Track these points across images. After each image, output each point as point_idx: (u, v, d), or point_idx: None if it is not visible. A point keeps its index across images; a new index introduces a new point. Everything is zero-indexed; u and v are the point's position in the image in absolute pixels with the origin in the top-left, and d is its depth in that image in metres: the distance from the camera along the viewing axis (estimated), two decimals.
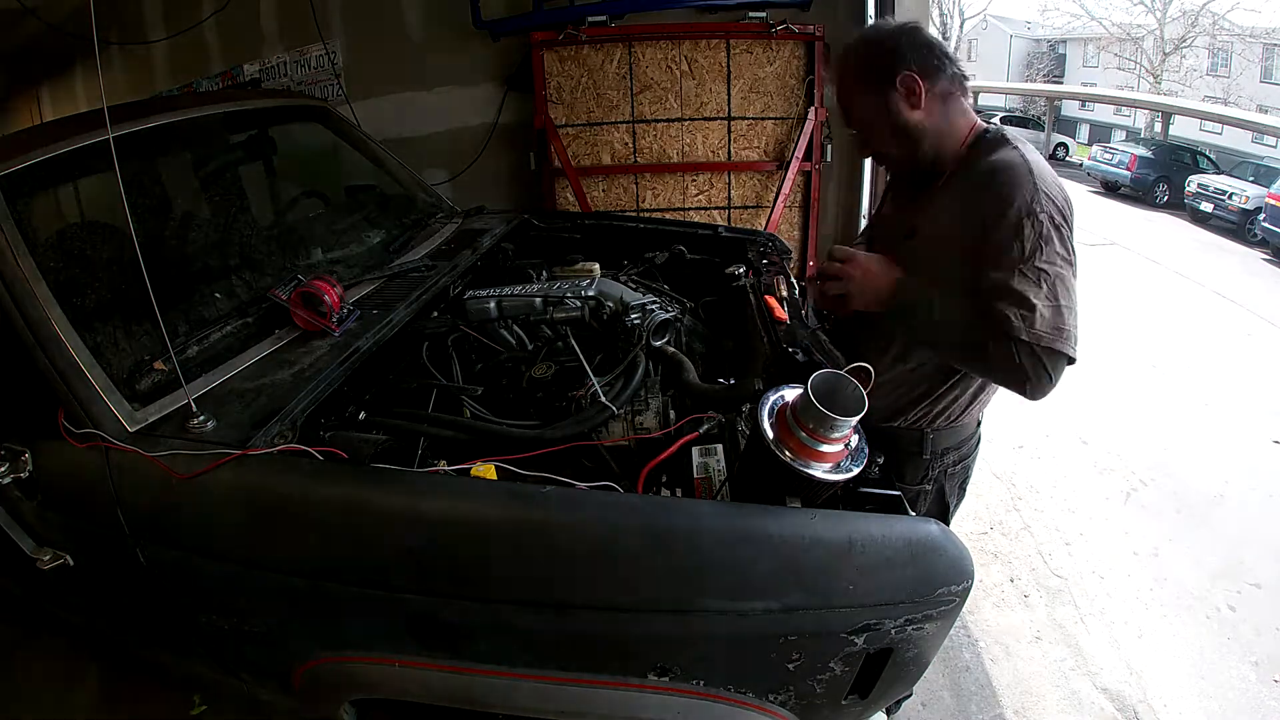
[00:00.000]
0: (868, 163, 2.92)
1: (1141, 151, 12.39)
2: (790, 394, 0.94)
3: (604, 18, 2.86)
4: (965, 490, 1.44)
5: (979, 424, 1.39)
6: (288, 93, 3.00)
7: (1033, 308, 1.02)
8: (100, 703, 1.78)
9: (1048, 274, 1.03)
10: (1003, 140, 1.13)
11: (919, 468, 1.34)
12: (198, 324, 1.36)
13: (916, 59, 1.11)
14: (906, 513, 0.95)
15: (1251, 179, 10.46)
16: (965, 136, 1.16)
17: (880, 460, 1.02)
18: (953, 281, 1.11)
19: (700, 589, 0.89)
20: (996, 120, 1.32)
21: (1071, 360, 1.06)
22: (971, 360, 1.14)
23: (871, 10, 2.73)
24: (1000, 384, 1.12)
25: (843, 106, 1.22)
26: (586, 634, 0.95)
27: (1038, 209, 1.03)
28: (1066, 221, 1.05)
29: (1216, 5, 17.63)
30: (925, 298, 1.12)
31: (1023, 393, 1.08)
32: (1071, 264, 1.06)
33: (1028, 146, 1.12)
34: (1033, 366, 1.03)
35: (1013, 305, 1.02)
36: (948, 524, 1.39)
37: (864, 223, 2.84)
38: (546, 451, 1.14)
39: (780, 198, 3.00)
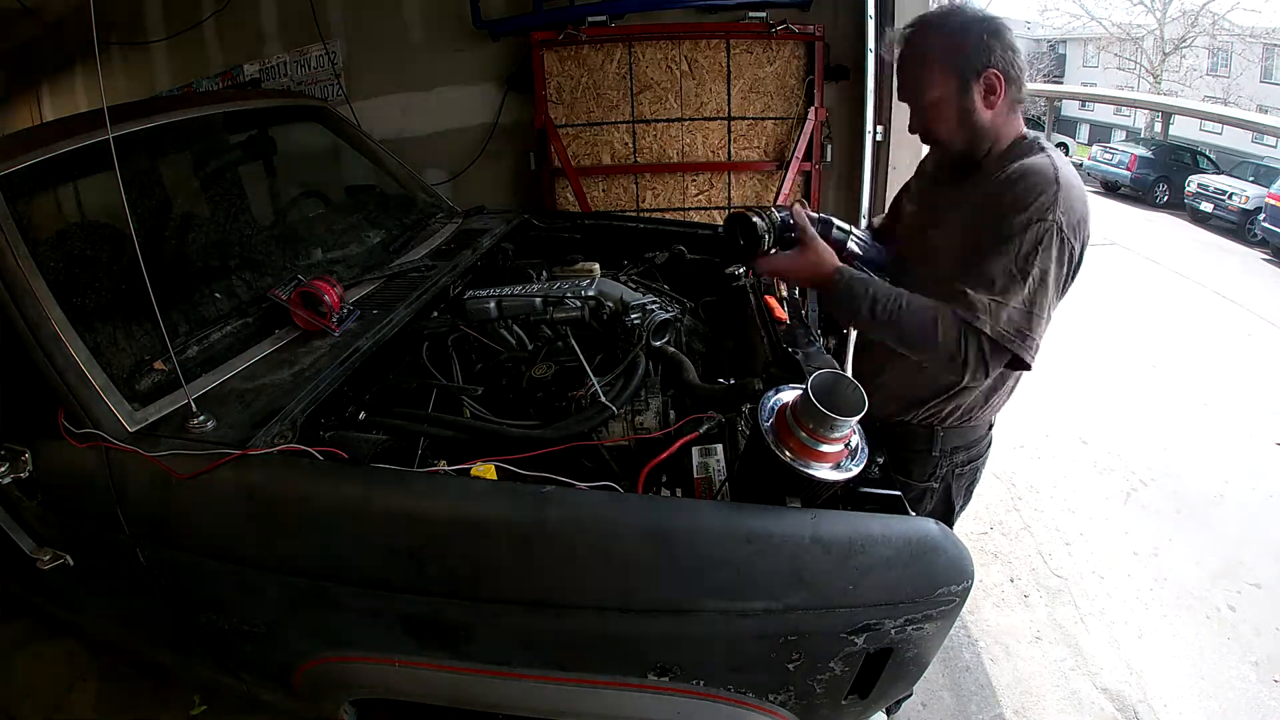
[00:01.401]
0: (868, 163, 2.92)
1: (1141, 151, 12.39)
2: (790, 394, 0.94)
3: (604, 18, 2.86)
4: (971, 494, 1.44)
5: (990, 427, 1.38)
6: (288, 93, 3.00)
7: (1005, 305, 1.03)
8: (100, 703, 1.78)
9: (1034, 279, 1.03)
10: (1037, 146, 1.13)
11: (927, 464, 1.34)
12: (198, 324, 1.36)
13: (1004, 60, 1.10)
14: (907, 513, 0.95)
15: (1251, 179, 10.46)
16: (1009, 143, 1.16)
17: (880, 460, 1.02)
18: (957, 266, 1.11)
19: (700, 589, 0.89)
20: (1040, 134, 1.33)
21: (1026, 367, 1.08)
22: (909, 347, 1.11)
23: (871, 10, 2.73)
24: (939, 368, 1.10)
25: (913, 78, 1.16)
26: (586, 634, 0.95)
27: (1050, 216, 1.02)
28: (1076, 240, 1.05)
29: (1216, 5, 17.63)
30: (863, 290, 1.12)
31: (956, 377, 1.08)
32: (1061, 281, 1.06)
33: (1061, 156, 1.12)
34: (975, 355, 1.04)
35: (989, 293, 1.03)
36: (951, 525, 1.40)
37: (864, 223, 2.83)
38: (546, 451, 1.14)
39: (780, 198, 3.00)
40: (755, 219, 1.22)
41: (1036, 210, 1.03)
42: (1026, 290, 1.03)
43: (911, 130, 1.22)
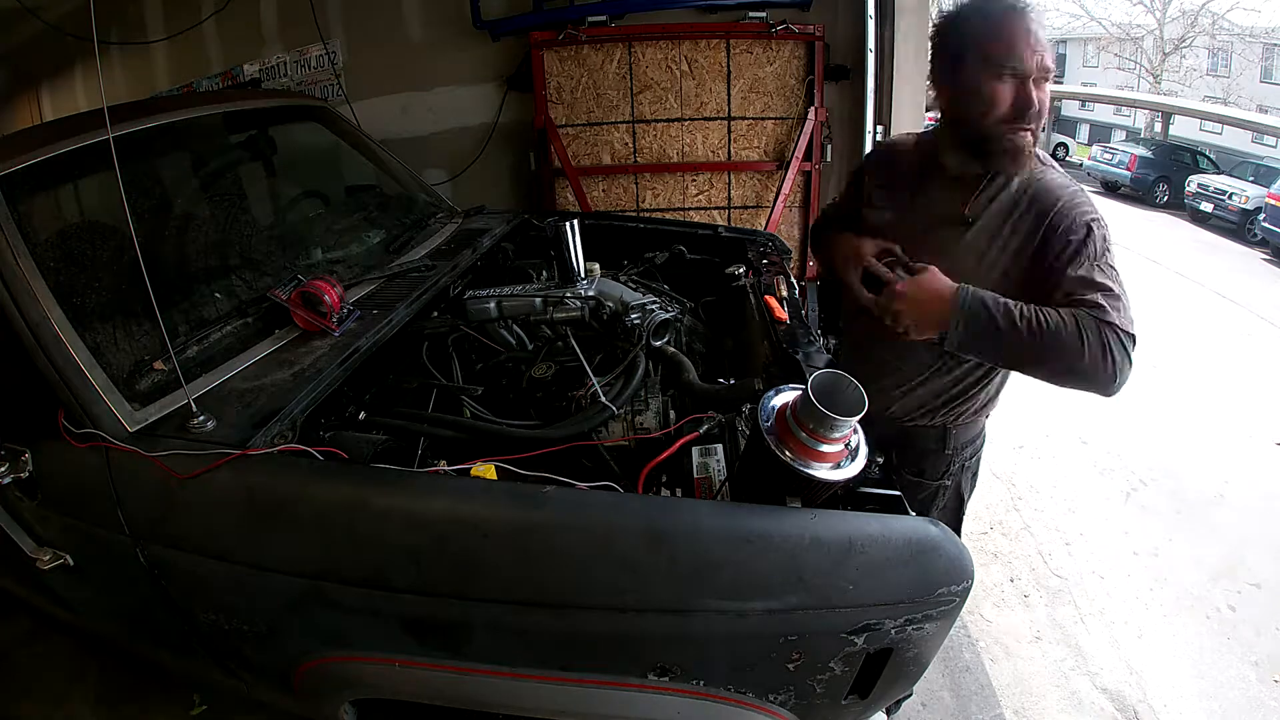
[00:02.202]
0: None
1: (1141, 151, 12.39)
2: (790, 394, 0.94)
3: (604, 18, 2.86)
4: (977, 479, 1.47)
5: (987, 416, 1.41)
6: (288, 93, 3.00)
7: (1118, 297, 1.06)
8: (100, 703, 1.78)
9: (1116, 273, 1.09)
10: (1037, 158, 1.17)
11: (940, 463, 1.36)
12: (198, 324, 1.36)
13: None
14: (906, 513, 0.95)
15: (1251, 179, 10.46)
16: None
17: (880, 460, 1.02)
18: (1005, 278, 1.15)
19: (700, 589, 0.89)
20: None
21: (1135, 341, 1.08)
22: (1056, 357, 1.06)
23: (871, 10, 2.73)
24: (1085, 378, 1.07)
25: (1036, 48, 1.07)
26: (586, 634, 0.95)
27: (1099, 220, 1.11)
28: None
29: (1216, 5, 17.62)
30: (994, 302, 1.07)
31: (1107, 384, 1.07)
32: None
33: (1053, 164, 1.20)
34: (1120, 353, 1.05)
35: (1101, 294, 1.05)
36: (963, 515, 1.45)
37: None
38: (546, 451, 1.14)
39: (780, 198, 3.00)
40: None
41: (1086, 217, 1.10)
42: (1119, 284, 1.08)
43: (1030, 105, 1.09)
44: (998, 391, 1.33)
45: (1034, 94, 1.10)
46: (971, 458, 1.39)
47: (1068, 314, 1.05)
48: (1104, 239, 1.09)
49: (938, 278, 1.12)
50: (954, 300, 1.09)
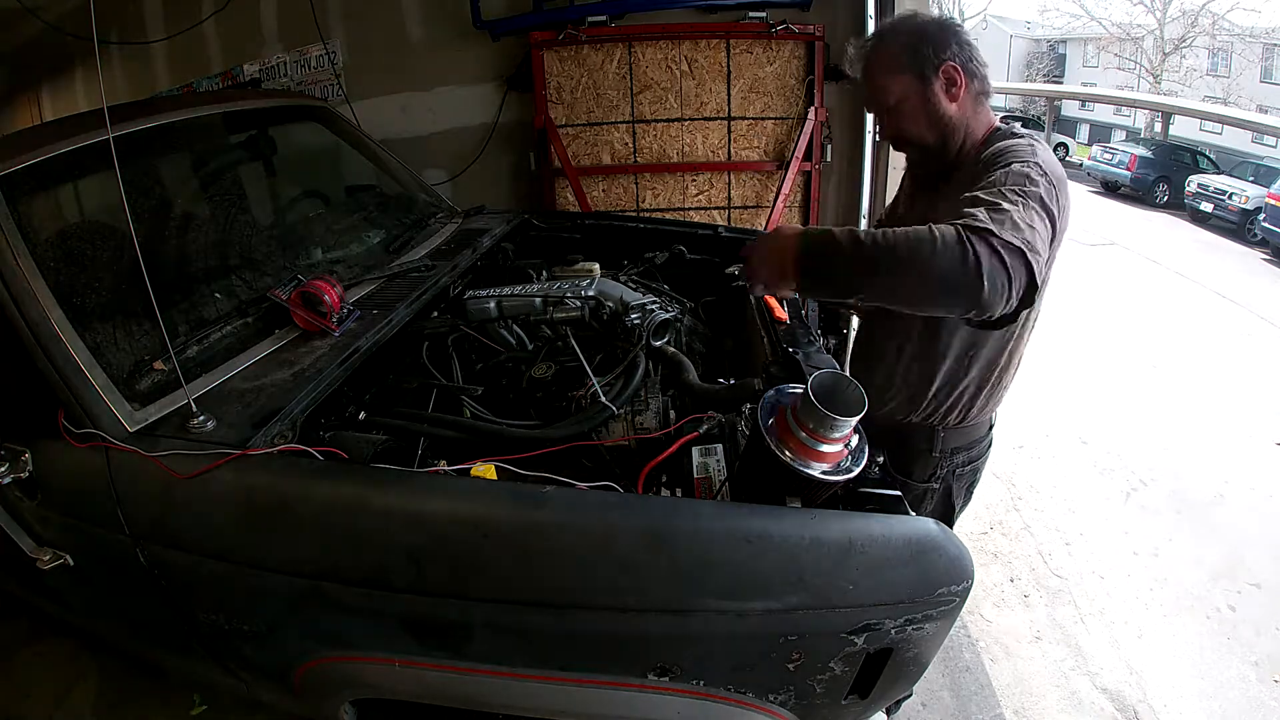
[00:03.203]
0: (868, 163, 2.91)
1: (1141, 151, 12.39)
2: (790, 394, 0.94)
3: (604, 18, 2.86)
4: (972, 494, 1.45)
5: (990, 428, 1.39)
6: (288, 93, 3.00)
7: (1005, 212, 0.92)
8: (100, 703, 1.78)
9: (1025, 199, 0.95)
10: (1014, 132, 1.16)
11: (928, 465, 1.34)
12: (198, 324, 1.36)
13: (961, 53, 1.14)
14: (907, 512, 0.95)
15: (1251, 179, 10.46)
16: (984, 135, 1.18)
17: (880, 460, 1.02)
18: None
19: (700, 589, 0.89)
20: (1012, 123, 1.33)
21: (1033, 280, 0.89)
22: (909, 268, 0.91)
23: (871, 10, 2.73)
24: (949, 289, 0.90)
25: (876, 87, 1.19)
26: (586, 634, 0.95)
27: (1031, 161, 1.02)
28: (1057, 187, 1.00)
29: (1216, 5, 17.63)
30: (839, 229, 0.99)
31: (976, 291, 0.88)
32: (1050, 217, 0.97)
33: (1037, 136, 1.15)
34: (988, 256, 0.87)
35: (983, 208, 0.92)
36: (951, 526, 1.40)
37: (864, 223, 2.83)
38: (546, 451, 1.14)
39: (780, 198, 3.00)
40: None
41: (1020, 158, 1.03)
42: (1021, 209, 0.93)
43: (883, 137, 1.25)
44: (990, 395, 1.29)
45: (887, 122, 1.21)
46: (965, 465, 1.37)
47: (927, 228, 0.91)
48: (1023, 175, 0.98)
49: (786, 226, 1.07)
50: (798, 236, 1.01)
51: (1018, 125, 1.19)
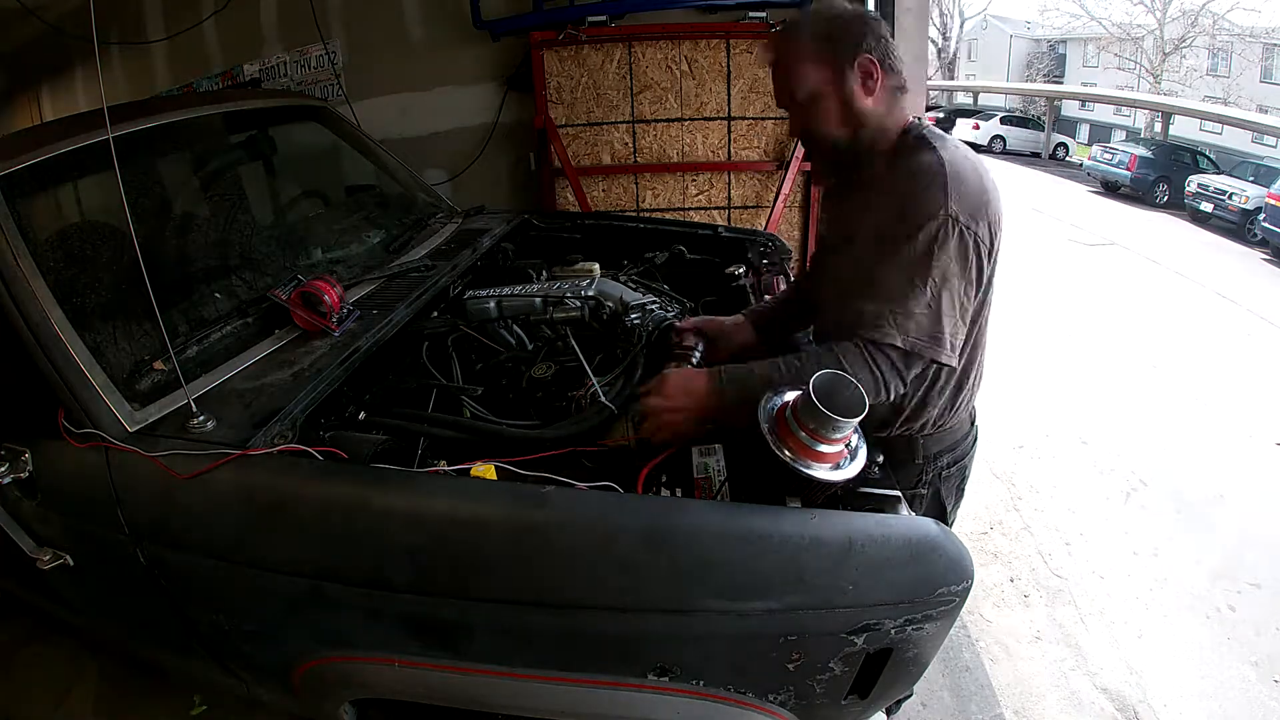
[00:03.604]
0: None
1: (1141, 151, 12.39)
2: (790, 394, 0.94)
3: (604, 18, 2.86)
4: (963, 492, 1.43)
5: (972, 423, 1.36)
6: (288, 93, 3.00)
7: (910, 315, 0.99)
8: (100, 703, 1.78)
9: (934, 280, 0.99)
10: (923, 141, 1.10)
11: (912, 473, 1.31)
12: (198, 324, 1.36)
13: (878, 47, 1.08)
14: (906, 513, 0.95)
15: (1251, 179, 10.45)
16: (897, 135, 1.14)
17: (880, 460, 1.02)
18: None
19: (700, 589, 0.89)
20: (925, 119, 1.32)
21: (942, 365, 1.03)
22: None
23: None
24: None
25: (786, 77, 1.13)
26: (586, 634, 0.95)
27: (941, 212, 0.99)
28: (977, 224, 1.01)
29: (1216, 5, 17.64)
30: (749, 371, 1.07)
31: (889, 400, 1.04)
32: (970, 272, 1.02)
33: (949, 146, 1.09)
34: (891, 372, 1.00)
35: (888, 304, 0.99)
36: (949, 523, 1.39)
37: None
38: (546, 452, 1.14)
39: (780, 198, 3.00)
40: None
41: (926, 208, 1.00)
42: (929, 295, 0.99)
43: (793, 133, 1.20)
44: (954, 403, 1.26)
45: (797, 115, 1.13)
46: (951, 466, 1.33)
47: (830, 352, 1.02)
48: (933, 239, 0.99)
49: (682, 375, 1.12)
50: (710, 384, 1.08)
51: (929, 126, 1.14)
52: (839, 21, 1.10)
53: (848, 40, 1.08)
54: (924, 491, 1.34)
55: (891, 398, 1.04)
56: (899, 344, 0.99)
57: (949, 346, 1.02)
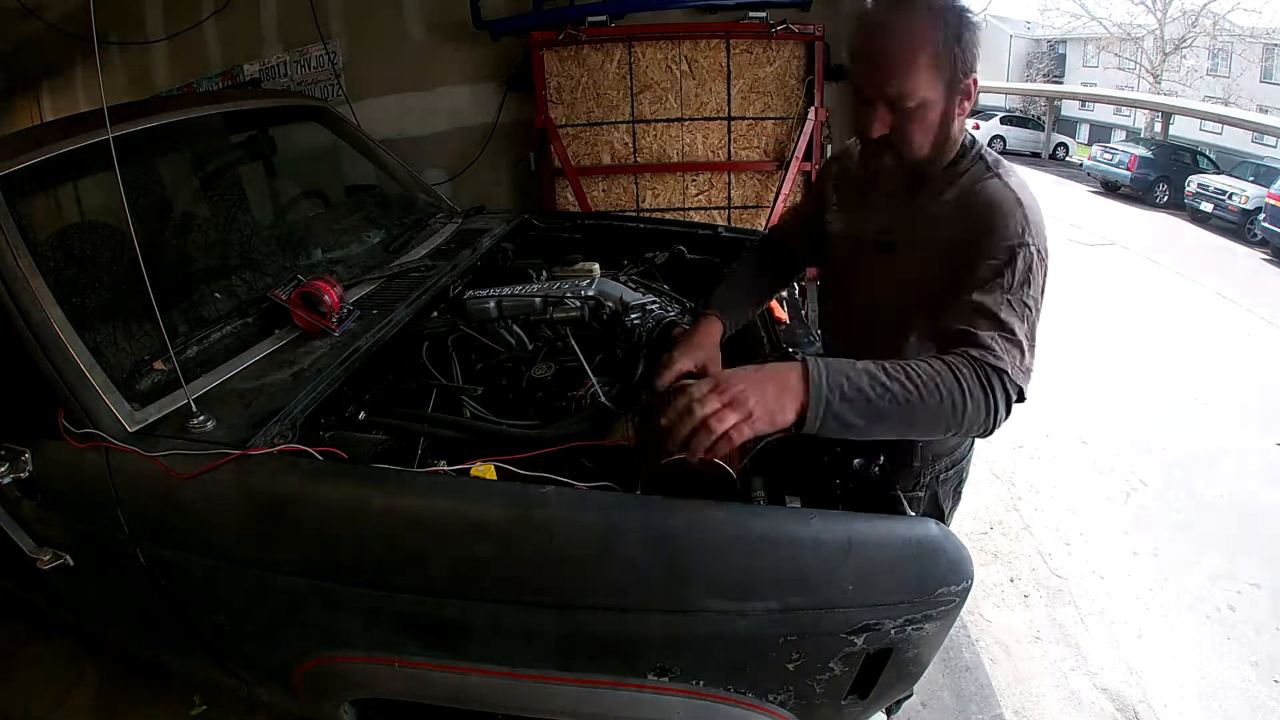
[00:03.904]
0: None
1: (1141, 151, 12.40)
2: None
3: (604, 18, 2.86)
4: (960, 495, 1.43)
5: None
6: (288, 93, 3.00)
7: (1018, 343, 0.91)
8: (100, 703, 1.78)
9: (1030, 311, 0.94)
10: (983, 162, 1.05)
11: (910, 476, 1.30)
12: (198, 324, 1.36)
13: (977, 61, 0.97)
14: (906, 513, 0.95)
15: (1251, 179, 10.46)
16: (956, 151, 1.07)
17: (880, 461, 1.02)
18: (930, 305, 1.02)
19: (700, 589, 0.89)
20: (980, 138, 1.15)
21: (1023, 398, 0.93)
22: (932, 415, 0.87)
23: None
24: (963, 428, 0.89)
25: (895, 64, 0.95)
26: (586, 634, 0.95)
27: (1029, 239, 0.96)
28: (1046, 262, 0.98)
29: (1216, 5, 17.63)
30: (853, 367, 0.87)
31: (985, 431, 0.91)
32: (1040, 299, 0.98)
33: (1006, 168, 1.05)
34: (1003, 398, 0.89)
35: (997, 332, 0.91)
36: (947, 525, 1.40)
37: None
38: (546, 451, 1.14)
39: (780, 198, 3.00)
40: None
41: (1015, 237, 0.95)
42: (1027, 325, 0.94)
43: (871, 132, 1.00)
44: None
45: (874, 122, 0.99)
46: (949, 470, 1.32)
47: (943, 364, 0.87)
48: (1029, 268, 0.94)
49: (769, 366, 0.90)
50: (805, 376, 0.85)
51: (980, 142, 1.08)
52: (965, 27, 0.95)
53: (970, 52, 0.95)
54: (921, 495, 1.33)
55: (993, 429, 0.91)
56: (1008, 369, 0.89)
57: (1032, 379, 0.94)
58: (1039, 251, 0.96)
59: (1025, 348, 0.92)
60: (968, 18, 0.96)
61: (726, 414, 0.83)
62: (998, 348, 0.89)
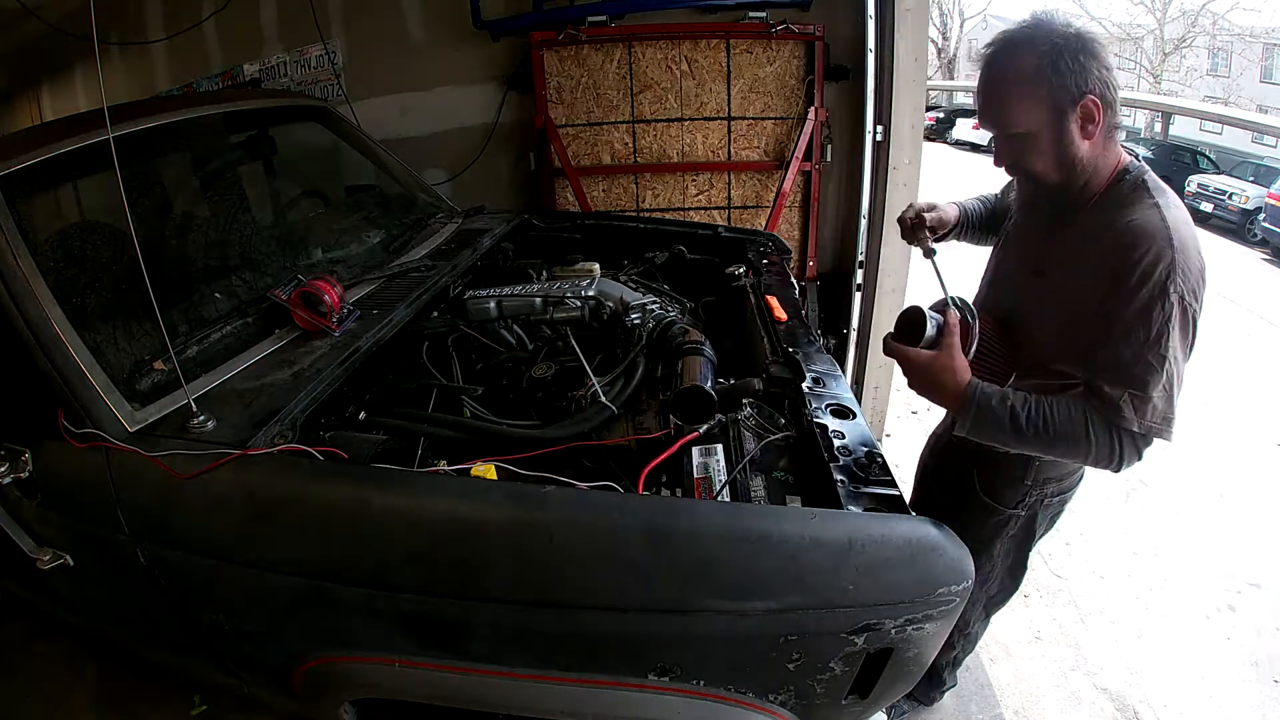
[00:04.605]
0: (868, 163, 2.89)
1: (1141, 151, 12.36)
2: None
3: (604, 18, 2.86)
4: (1055, 522, 1.41)
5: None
6: (288, 93, 3.00)
7: (1148, 399, 0.98)
8: (100, 703, 1.78)
9: (1167, 363, 0.97)
10: (1144, 189, 1.03)
11: (1018, 493, 1.31)
12: (198, 324, 1.37)
13: (1102, 82, 0.98)
14: (907, 512, 0.95)
15: (1251, 179, 10.45)
16: (1111, 173, 1.06)
17: (879, 457, 1.02)
18: (1068, 334, 1.07)
19: (700, 589, 0.89)
20: (1142, 163, 1.11)
21: (1165, 440, 1.02)
22: (1062, 453, 1.06)
23: (871, 10, 2.73)
24: (1091, 464, 1.07)
25: (1000, 110, 1.02)
26: (586, 634, 0.95)
27: (1171, 289, 0.95)
28: (1198, 300, 0.98)
29: (1216, 5, 17.65)
30: (1003, 405, 1.04)
31: (1115, 470, 1.06)
32: (1190, 348, 1.00)
33: (1170, 201, 1.02)
34: (1131, 451, 1.02)
35: (1128, 392, 0.98)
36: (1029, 552, 1.41)
37: (864, 223, 2.83)
38: (546, 451, 1.14)
39: (780, 198, 2.99)
40: (928, 321, 1.10)
41: (1157, 285, 0.95)
42: (1164, 377, 0.97)
43: (998, 163, 1.10)
44: None
45: (1004, 149, 1.07)
46: (1055, 496, 1.33)
47: (1078, 412, 1.01)
48: (1168, 320, 0.95)
49: (950, 367, 1.06)
50: (963, 397, 1.06)
51: (1146, 169, 1.06)
52: (1065, 53, 0.96)
53: (1072, 77, 0.97)
54: (1021, 513, 1.33)
55: (1121, 469, 1.05)
56: (1136, 429, 0.99)
57: (1173, 424, 1.01)
58: (1182, 299, 0.95)
59: (1160, 401, 0.99)
60: (1070, 43, 0.97)
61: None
62: (1127, 411, 0.99)
